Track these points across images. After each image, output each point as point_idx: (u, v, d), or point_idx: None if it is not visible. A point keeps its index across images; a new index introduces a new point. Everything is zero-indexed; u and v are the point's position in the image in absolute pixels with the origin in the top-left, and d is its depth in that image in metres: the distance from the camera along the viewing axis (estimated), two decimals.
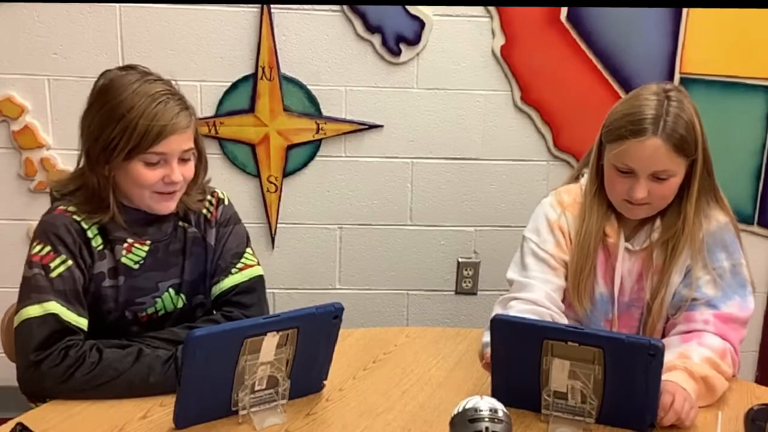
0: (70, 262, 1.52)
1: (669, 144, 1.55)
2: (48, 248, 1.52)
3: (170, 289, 1.64)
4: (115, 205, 1.56)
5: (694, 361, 1.50)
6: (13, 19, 2.32)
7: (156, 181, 1.53)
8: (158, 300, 1.62)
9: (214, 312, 1.68)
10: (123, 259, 1.58)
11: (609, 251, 1.68)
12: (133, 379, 1.45)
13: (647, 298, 1.68)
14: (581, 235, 1.68)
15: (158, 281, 1.62)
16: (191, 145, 1.57)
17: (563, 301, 1.69)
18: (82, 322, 1.51)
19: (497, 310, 1.65)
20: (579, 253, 1.68)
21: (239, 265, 1.69)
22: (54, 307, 1.48)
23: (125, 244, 1.59)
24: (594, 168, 1.69)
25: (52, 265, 1.51)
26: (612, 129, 1.61)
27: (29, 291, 1.50)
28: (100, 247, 1.57)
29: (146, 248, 1.61)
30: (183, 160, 1.56)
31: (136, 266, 1.60)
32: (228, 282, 1.67)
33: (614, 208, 1.67)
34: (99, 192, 1.55)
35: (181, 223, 1.66)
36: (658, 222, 1.66)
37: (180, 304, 1.65)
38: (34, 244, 1.54)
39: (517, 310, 1.61)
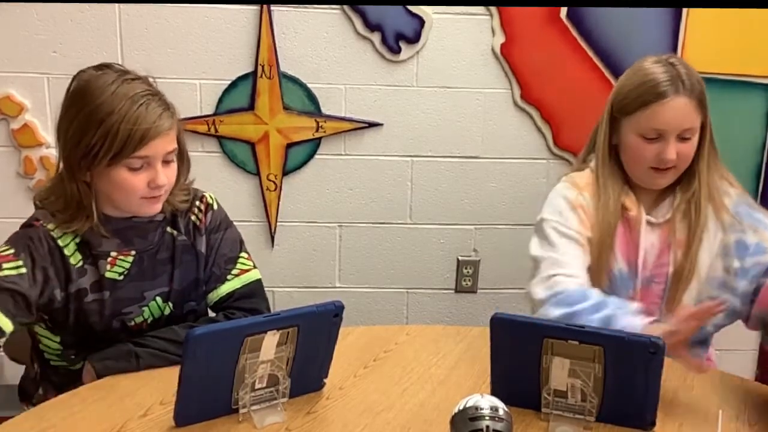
0: (23, 270, 1.47)
1: (694, 99, 1.62)
2: (11, 251, 1.48)
3: (157, 298, 1.62)
4: (96, 214, 1.52)
5: None
6: (12, 17, 2.32)
7: (142, 187, 1.50)
8: (145, 309, 1.61)
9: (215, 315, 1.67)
10: (107, 274, 1.56)
11: (630, 225, 1.69)
12: None
13: (670, 271, 1.68)
14: (600, 213, 1.68)
15: (144, 291, 1.60)
16: (175, 146, 1.54)
17: None
18: (4, 323, 1.43)
19: (540, 292, 1.62)
20: (601, 229, 1.68)
21: (235, 271, 1.67)
22: None
23: (109, 258, 1.56)
24: (605, 147, 1.70)
25: (5, 265, 1.46)
26: (629, 101, 1.65)
27: None
28: (80, 264, 1.54)
29: (131, 258, 1.58)
30: (166, 162, 1.53)
31: (121, 278, 1.57)
32: (225, 288, 1.65)
33: (630, 184, 1.69)
34: (80, 200, 1.51)
35: (169, 230, 1.63)
36: (678, 194, 1.69)
37: (167, 311, 1.63)
38: (3, 244, 1.51)
39: (565, 286, 1.59)
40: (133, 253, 1.58)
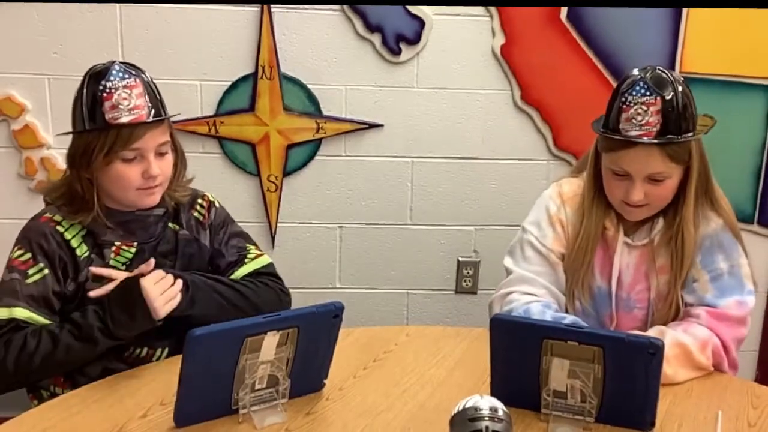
0: (46, 271, 1.56)
1: (662, 150, 1.56)
2: (28, 255, 1.56)
3: None
4: (99, 206, 1.59)
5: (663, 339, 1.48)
6: (13, 18, 2.32)
7: (137, 178, 1.57)
8: None
9: None
10: (112, 262, 1.61)
11: (607, 244, 1.69)
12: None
13: (652, 297, 1.68)
14: (579, 234, 1.69)
15: None
16: (166, 138, 1.60)
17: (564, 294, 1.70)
18: (51, 325, 1.55)
19: (497, 306, 1.66)
20: (576, 250, 1.69)
21: (251, 255, 1.76)
22: (20, 312, 1.52)
23: (113, 247, 1.62)
24: (591, 172, 1.69)
25: (30, 272, 1.55)
26: (600, 138, 1.64)
27: (2, 294, 1.54)
28: (86, 254, 1.60)
29: (133, 250, 1.63)
30: (160, 154, 1.59)
31: (123, 267, 1.62)
32: (244, 269, 1.74)
33: (614, 207, 1.68)
34: (83, 195, 1.58)
35: (171, 225, 1.69)
36: (660, 222, 1.66)
37: None
38: (17, 248, 1.58)
39: (514, 305, 1.63)
40: (135, 244, 1.64)
